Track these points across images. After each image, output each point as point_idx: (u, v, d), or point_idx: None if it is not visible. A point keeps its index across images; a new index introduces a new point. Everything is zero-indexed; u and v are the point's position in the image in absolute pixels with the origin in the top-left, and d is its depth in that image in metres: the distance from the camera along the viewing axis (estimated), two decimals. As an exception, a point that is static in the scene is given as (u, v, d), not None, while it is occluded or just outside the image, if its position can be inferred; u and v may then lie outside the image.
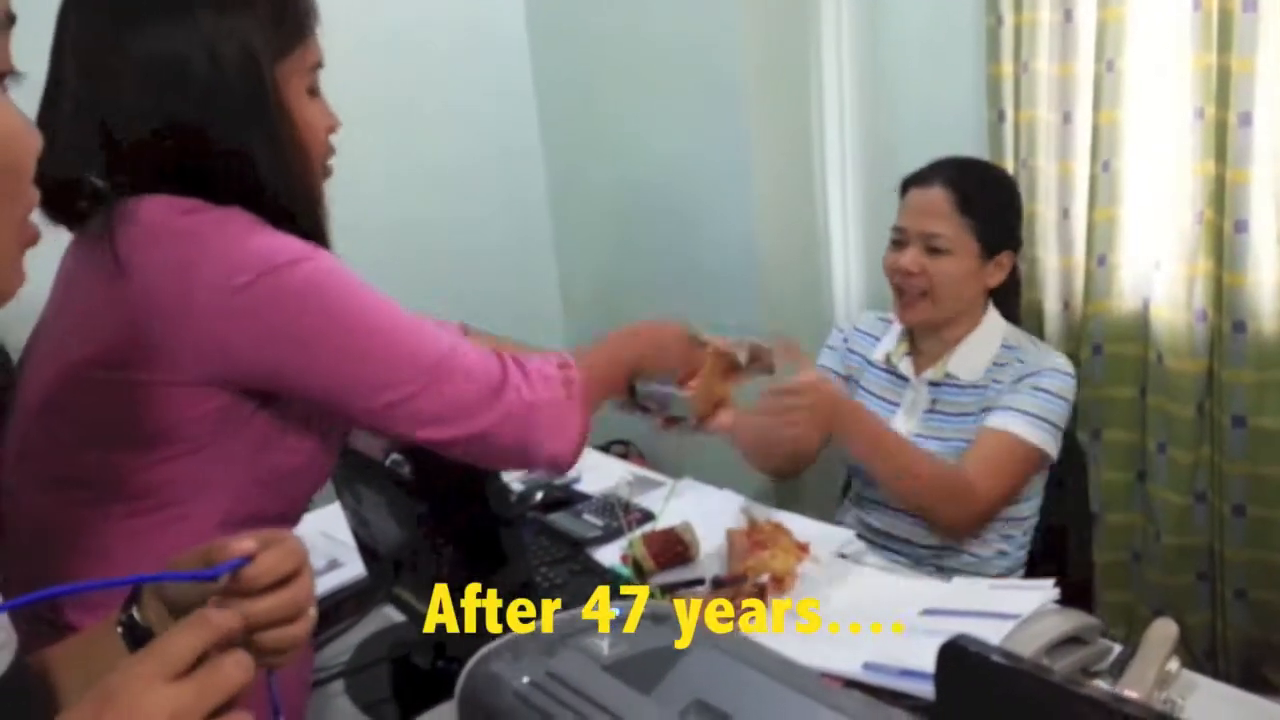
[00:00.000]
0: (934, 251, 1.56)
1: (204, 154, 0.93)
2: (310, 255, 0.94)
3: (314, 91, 1.02)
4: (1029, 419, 1.52)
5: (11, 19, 0.58)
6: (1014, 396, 1.54)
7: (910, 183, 1.63)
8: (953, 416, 1.60)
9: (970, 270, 1.58)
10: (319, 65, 1.02)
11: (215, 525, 0.95)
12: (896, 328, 1.70)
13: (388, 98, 2.25)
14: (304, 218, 0.98)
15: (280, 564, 0.65)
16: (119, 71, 0.92)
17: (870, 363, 1.72)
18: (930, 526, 1.56)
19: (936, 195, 1.57)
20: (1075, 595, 1.55)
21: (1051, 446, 1.53)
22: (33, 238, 0.61)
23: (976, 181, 1.61)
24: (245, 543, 0.64)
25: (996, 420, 1.54)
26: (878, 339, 1.72)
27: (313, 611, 0.69)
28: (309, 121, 1.00)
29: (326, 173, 1.05)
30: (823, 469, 2.26)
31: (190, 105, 0.92)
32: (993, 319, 1.62)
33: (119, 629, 0.73)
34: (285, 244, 0.94)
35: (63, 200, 0.90)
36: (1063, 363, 1.58)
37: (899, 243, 1.61)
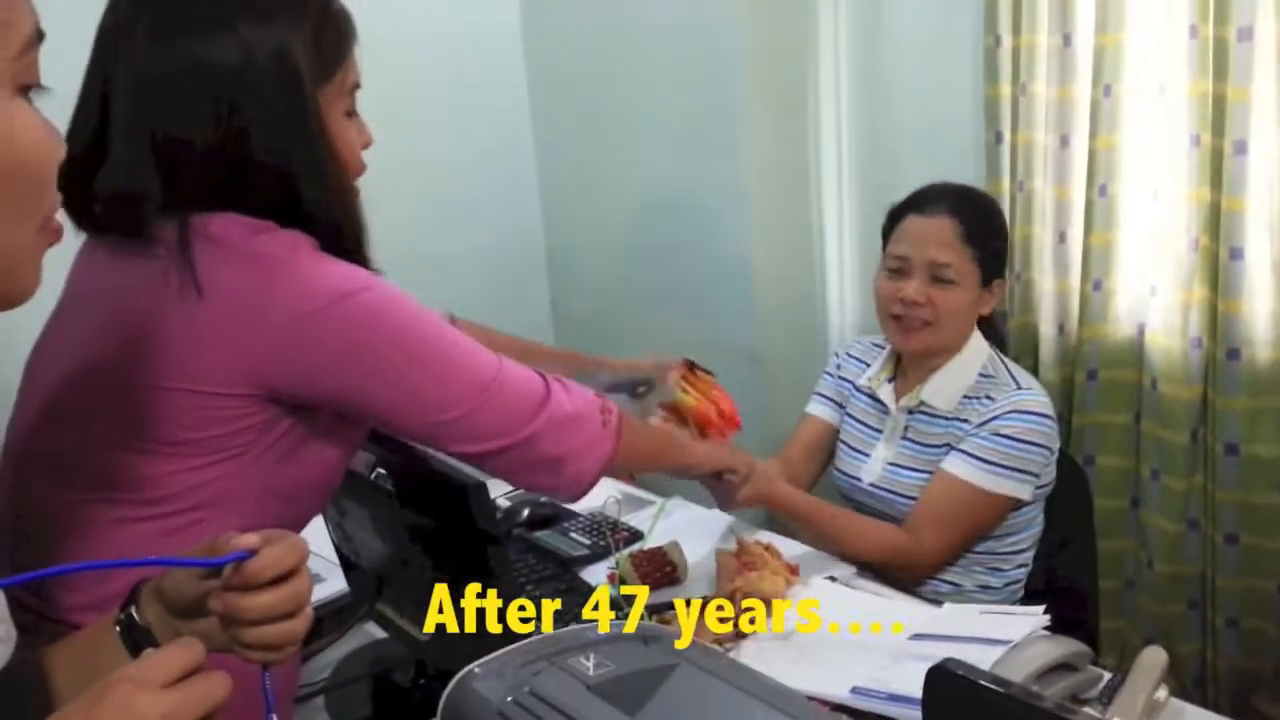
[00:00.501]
0: (940, 282, 1.54)
1: (249, 170, 0.95)
2: (373, 284, 0.99)
3: (351, 112, 1.03)
4: (986, 467, 1.51)
5: (41, 36, 0.61)
6: (973, 441, 1.52)
7: (908, 209, 1.60)
8: (924, 446, 1.60)
9: (971, 300, 1.57)
10: (357, 86, 1.04)
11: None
12: (884, 353, 1.69)
13: (376, 93, 2.24)
14: (348, 237, 1.00)
15: (283, 559, 0.67)
16: (170, 86, 0.93)
17: (857, 388, 1.71)
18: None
19: (944, 225, 1.55)
20: (1074, 623, 1.54)
21: (1019, 490, 1.52)
22: (54, 239, 0.64)
23: (977, 210, 1.60)
24: (249, 537, 0.67)
25: (952, 466, 1.53)
26: (867, 364, 1.72)
27: (309, 610, 0.70)
28: (348, 142, 1.02)
29: (357, 192, 1.06)
30: (817, 492, 2.25)
31: (239, 120, 0.93)
32: (975, 346, 1.60)
33: (117, 628, 0.74)
34: (353, 273, 0.99)
35: (120, 214, 0.95)
36: (1031, 401, 1.53)
37: (900, 271, 1.57)
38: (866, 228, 2.20)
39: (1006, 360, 1.63)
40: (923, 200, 1.59)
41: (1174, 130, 1.75)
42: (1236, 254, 1.70)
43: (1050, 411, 1.55)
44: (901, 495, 1.59)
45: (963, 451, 1.52)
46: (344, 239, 1.00)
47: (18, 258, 0.61)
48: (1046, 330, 1.96)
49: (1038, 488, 1.56)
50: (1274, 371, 1.73)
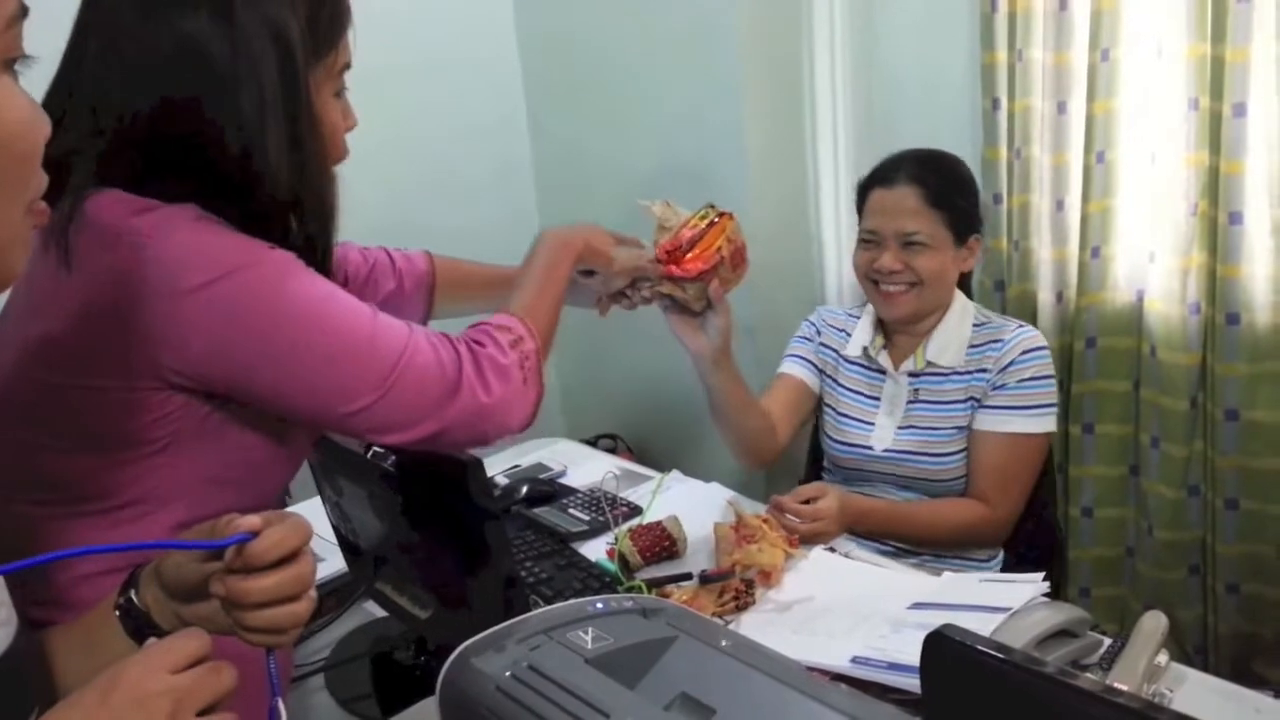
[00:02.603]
0: (912, 247, 1.57)
1: (210, 146, 0.90)
2: (259, 259, 0.91)
3: (340, 93, 1.01)
4: (1024, 413, 1.56)
5: (24, 11, 0.60)
6: (1004, 393, 1.57)
7: (873, 183, 1.63)
8: (937, 405, 1.61)
9: (946, 261, 1.59)
10: (348, 67, 1.01)
11: (183, 524, 0.93)
12: (866, 320, 1.70)
13: (366, 70, 2.21)
14: (313, 220, 0.97)
15: (285, 540, 0.67)
16: (140, 54, 0.90)
17: (844, 358, 1.71)
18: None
19: (905, 194, 1.58)
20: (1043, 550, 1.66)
21: (1053, 424, 1.59)
22: (41, 219, 0.63)
23: (939, 173, 1.61)
24: (250, 519, 0.66)
25: (992, 424, 1.57)
26: (848, 334, 1.72)
27: (313, 592, 0.70)
28: (334, 123, 0.99)
29: (333, 176, 1.03)
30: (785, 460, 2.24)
31: (208, 94, 0.90)
32: (961, 302, 1.64)
33: (116, 612, 0.74)
34: (236, 248, 0.91)
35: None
36: (1035, 337, 1.60)
37: (873, 243, 1.61)
38: (863, 198, 2.18)
39: (988, 310, 1.69)
40: (885, 172, 1.62)
41: (1172, 94, 1.74)
42: (1235, 218, 1.68)
43: (1047, 343, 1.62)
44: (920, 454, 1.61)
45: (995, 407, 1.57)
46: (307, 221, 0.96)
47: (5, 238, 0.60)
48: (1045, 298, 1.95)
49: None
50: (1273, 336, 1.73)
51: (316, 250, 0.98)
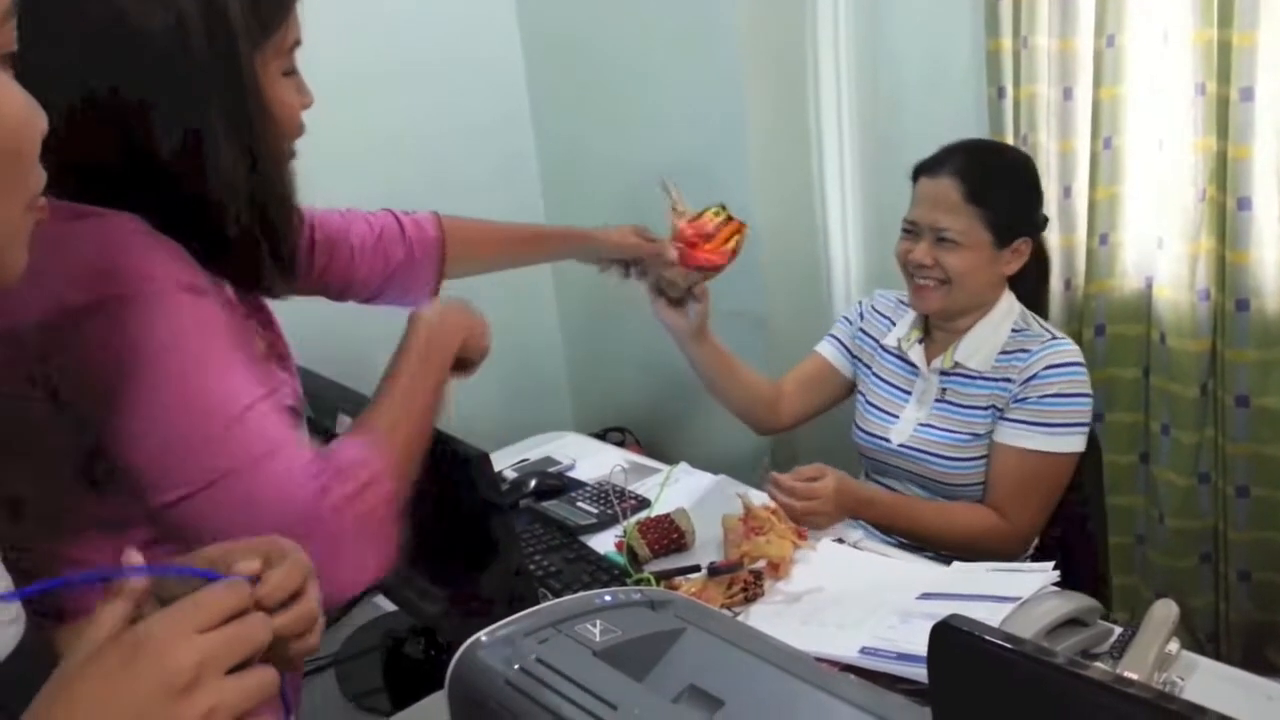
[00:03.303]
0: (944, 243, 1.51)
1: (145, 133, 0.85)
2: (149, 294, 0.81)
3: (290, 71, 0.96)
4: (1044, 430, 1.48)
5: (18, 3, 0.59)
6: (1025, 408, 1.49)
7: (920, 171, 1.57)
8: (961, 408, 1.56)
9: (983, 261, 1.52)
10: (298, 43, 0.97)
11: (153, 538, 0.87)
12: (912, 313, 1.65)
13: (369, 69, 2.22)
14: (270, 203, 0.93)
15: (288, 580, 0.64)
16: (67, 34, 0.84)
17: (883, 348, 1.68)
18: None
19: (945, 186, 1.51)
20: (1085, 579, 1.55)
21: (1078, 444, 1.50)
22: (41, 216, 0.61)
23: (987, 168, 1.54)
24: (251, 563, 0.63)
25: (1010, 438, 1.50)
26: (893, 322, 1.69)
27: (321, 621, 0.68)
28: (284, 103, 0.95)
29: (292, 155, 0.99)
30: (825, 454, 2.24)
31: (141, 78, 0.85)
32: (1005, 306, 1.57)
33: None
34: (138, 271, 0.81)
35: None
36: (1066, 351, 1.51)
37: (912, 234, 1.56)
38: (869, 188, 2.17)
39: (1037, 317, 1.59)
40: (934, 161, 1.56)
41: (1179, 79, 1.72)
42: (1244, 203, 1.67)
43: (1082, 360, 1.53)
44: (933, 455, 1.57)
45: (1015, 420, 1.50)
46: (265, 208, 0.91)
47: (3, 236, 0.58)
48: (1054, 286, 1.93)
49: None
50: (1284, 321, 1.72)
51: (277, 236, 0.94)
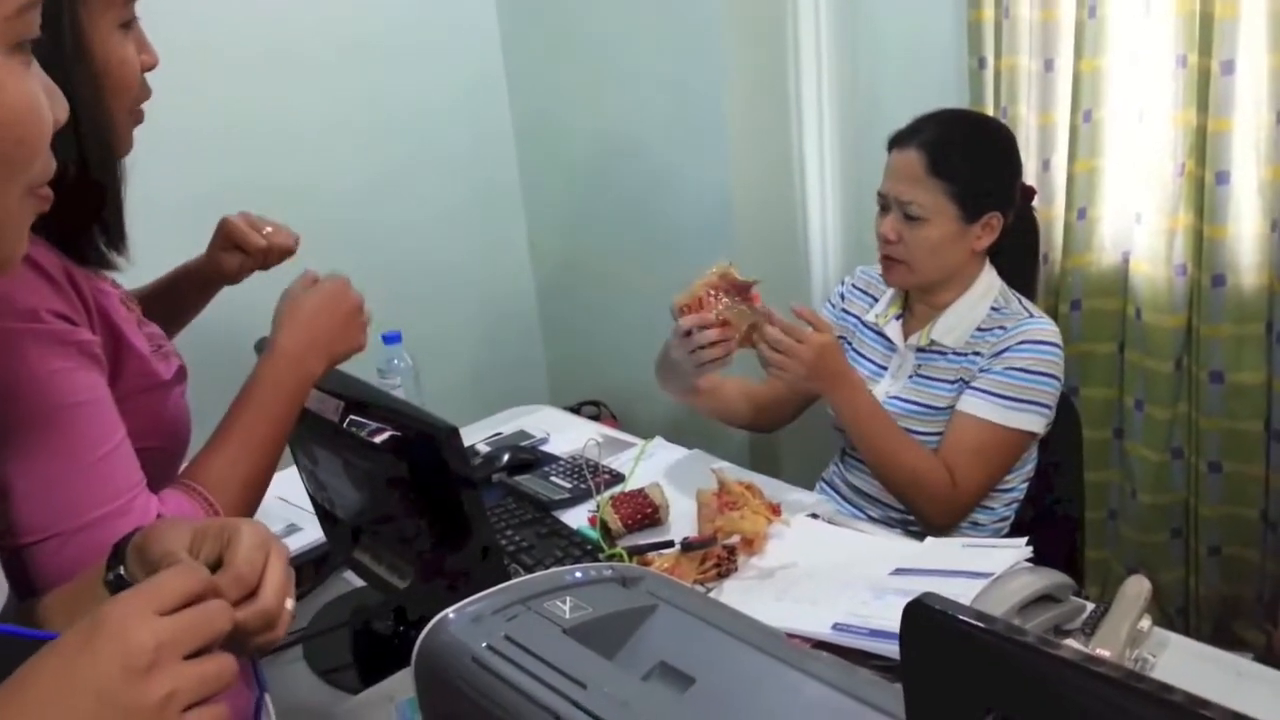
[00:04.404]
0: (911, 219, 1.48)
1: None
2: (19, 331, 0.80)
3: (128, 25, 0.90)
4: (1001, 403, 1.46)
5: None
6: (989, 377, 1.48)
7: (893, 142, 1.54)
8: (934, 381, 1.55)
9: (949, 236, 1.49)
10: None
11: None
12: (892, 289, 1.64)
13: (343, 41, 2.18)
14: (100, 172, 0.89)
15: (247, 571, 0.65)
16: None
17: (865, 324, 1.67)
18: (910, 512, 1.52)
19: (911, 158, 1.48)
20: (1060, 556, 1.54)
21: (1036, 424, 1.47)
22: (43, 205, 0.62)
23: (954, 140, 1.50)
24: (209, 548, 0.65)
25: (972, 405, 1.48)
26: (874, 298, 1.67)
27: (290, 604, 0.67)
28: (122, 59, 0.89)
29: (136, 118, 0.94)
30: (803, 432, 2.24)
31: None
32: (985, 283, 1.54)
33: (105, 586, 0.72)
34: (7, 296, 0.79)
35: None
36: (1041, 330, 1.48)
37: (884, 207, 1.53)
38: (848, 160, 2.15)
39: (1020, 295, 1.57)
40: (906, 131, 1.53)
41: (1160, 51, 1.71)
42: (1222, 178, 1.67)
43: (1059, 341, 1.50)
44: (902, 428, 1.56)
45: (977, 389, 1.48)
46: (95, 178, 0.86)
47: (8, 224, 0.59)
48: (1031, 261, 1.93)
49: (1048, 422, 1.51)
50: (1259, 297, 1.72)
51: (102, 200, 0.89)
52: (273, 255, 1.31)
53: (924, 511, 1.48)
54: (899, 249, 1.51)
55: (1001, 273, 1.57)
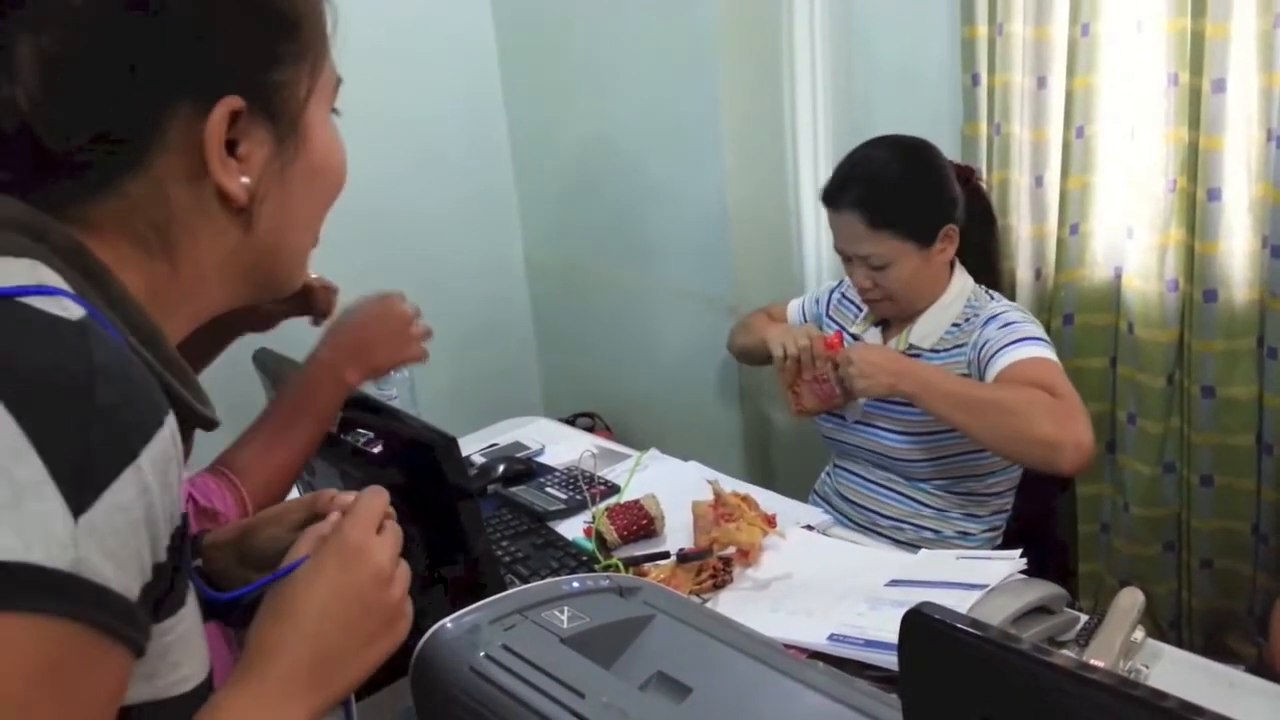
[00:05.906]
0: (875, 269, 1.54)
1: None
2: None
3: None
4: (1029, 343, 1.45)
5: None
6: (990, 346, 1.48)
7: (825, 202, 1.57)
8: None
9: (916, 266, 1.54)
10: None
11: None
12: None
13: (338, 51, 2.18)
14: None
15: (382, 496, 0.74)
16: None
17: (849, 334, 1.70)
18: (1045, 464, 1.38)
19: (850, 221, 1.53)
20: (1053, 568, 1.53)
21: (1051, 353, 1.47)
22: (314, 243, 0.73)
23: (881, 187, 1.52)
24: (345, 496, 0.75)
25: (1010, 359, 1.44)
26: (860, 310, 1.71)
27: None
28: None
29: None
30: (796, 446, 2.25)
31: None
32: (958, 286, 1.59)
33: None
34: None
35: None
36: (1003, 304, 1.56)
37: (846, 259, 1.59)
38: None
39: (993, 291, 1.62)
40: (830, 193, 1.56)
41: (1152, 69, 1.73)
42: (1214, 194, 1.68)
43: (1026, 312, 1.57)
44: (882, 429, 1.60)
45: (1003, 347, 1.46)
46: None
47: (303, 259, 0.72)
48: (1024, 275, 1.95)
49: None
50: (1251, 312, 1.73)
51: None
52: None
53: (1047, 436, 1.33)
54: (877, 292, 1.57)
55: (966, 245, 1.59)
